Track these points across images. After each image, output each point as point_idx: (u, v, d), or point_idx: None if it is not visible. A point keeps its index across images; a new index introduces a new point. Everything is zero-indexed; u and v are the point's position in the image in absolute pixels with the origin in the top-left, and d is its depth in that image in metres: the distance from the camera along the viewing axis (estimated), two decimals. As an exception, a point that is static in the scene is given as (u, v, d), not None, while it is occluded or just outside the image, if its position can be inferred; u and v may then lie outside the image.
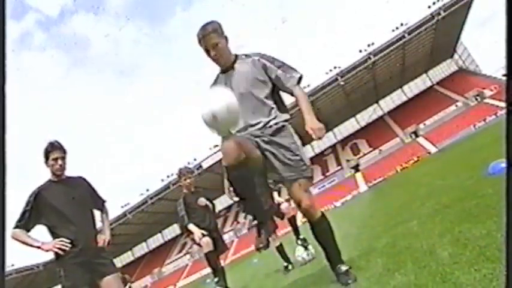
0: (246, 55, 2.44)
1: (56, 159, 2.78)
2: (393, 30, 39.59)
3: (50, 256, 2.71)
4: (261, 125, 2.30)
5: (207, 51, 2.31)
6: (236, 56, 2.42)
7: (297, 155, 2.28)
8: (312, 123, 2.20)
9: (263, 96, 2.32)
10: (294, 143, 2.32)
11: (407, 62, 44.06)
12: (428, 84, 51.02)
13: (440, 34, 40.67)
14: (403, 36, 38.95)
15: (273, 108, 2.34)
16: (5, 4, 0.50)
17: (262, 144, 2.26)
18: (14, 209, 2.59)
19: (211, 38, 2.27)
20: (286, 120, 2.36)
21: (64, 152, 2.84)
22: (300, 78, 2.35)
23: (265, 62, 2.36)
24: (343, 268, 2.23)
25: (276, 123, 2.31)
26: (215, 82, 2.45)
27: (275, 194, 5.02)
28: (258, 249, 2.27)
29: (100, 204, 3.08)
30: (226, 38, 2.34)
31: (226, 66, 2.38)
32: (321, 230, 2.32)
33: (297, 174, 2.26)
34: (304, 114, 2.26)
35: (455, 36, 44.82)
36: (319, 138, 2.19)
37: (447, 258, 1.83)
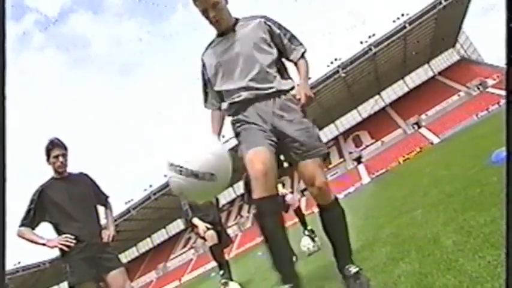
0: (248, 17, 2.16)
1: (57, 157, 2.78)
2: (394, 21, 39.36)
3: (56, 253, 2.73)
4: (268, 91, 2.02)
5: (205, 13, 2.02)
6: (237, 19, 2.14)
7: (312, 131, 2.02)
8: (304, 88, 2.01)
9: (267, 63, 2.03)
10: (307, 119, 2.05)
11: (409, 52, 43.79)
12: (430, 74, 50.74)
13: (442, 24, 40.36)
14: (404, 27, 38.70)
15: (275, 76, 2.05)
16: (4, 4, 0.50)
17: (275, 121, 1.97)
18: (18, 208, 2.60)
19: None
20: (291, 88, 2.08)
21: (65, 149, 2.84)
22: (304, 53, 2.14)
23: (271, 25, 2.11)
24: (353, 270, 1.85)
25: (285, 93, 2.04)
26: (211, 45, 2.16)
27: (279, 186, 5.01)
28: None
29: (103, 199, 3.08)
30: None
31: (226, 29, 2.09)
32: (333, 217, 2.01)
33: (314, 152, 1.96)
34: (300, 79, 2.09)
35: (457, 26, 44.47)
36: (305, 104, 1.99)
37: (451, 246, 1.82)
